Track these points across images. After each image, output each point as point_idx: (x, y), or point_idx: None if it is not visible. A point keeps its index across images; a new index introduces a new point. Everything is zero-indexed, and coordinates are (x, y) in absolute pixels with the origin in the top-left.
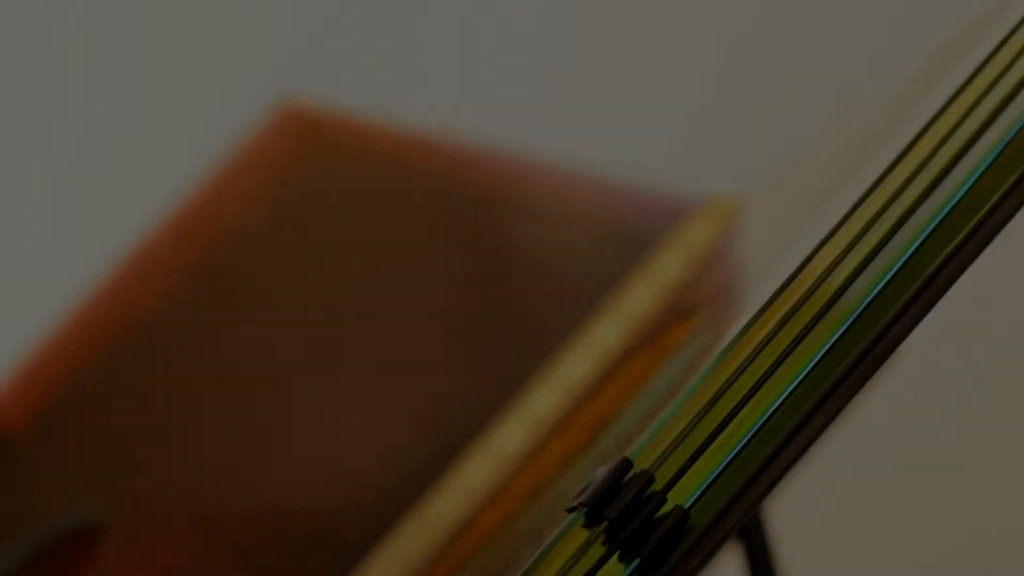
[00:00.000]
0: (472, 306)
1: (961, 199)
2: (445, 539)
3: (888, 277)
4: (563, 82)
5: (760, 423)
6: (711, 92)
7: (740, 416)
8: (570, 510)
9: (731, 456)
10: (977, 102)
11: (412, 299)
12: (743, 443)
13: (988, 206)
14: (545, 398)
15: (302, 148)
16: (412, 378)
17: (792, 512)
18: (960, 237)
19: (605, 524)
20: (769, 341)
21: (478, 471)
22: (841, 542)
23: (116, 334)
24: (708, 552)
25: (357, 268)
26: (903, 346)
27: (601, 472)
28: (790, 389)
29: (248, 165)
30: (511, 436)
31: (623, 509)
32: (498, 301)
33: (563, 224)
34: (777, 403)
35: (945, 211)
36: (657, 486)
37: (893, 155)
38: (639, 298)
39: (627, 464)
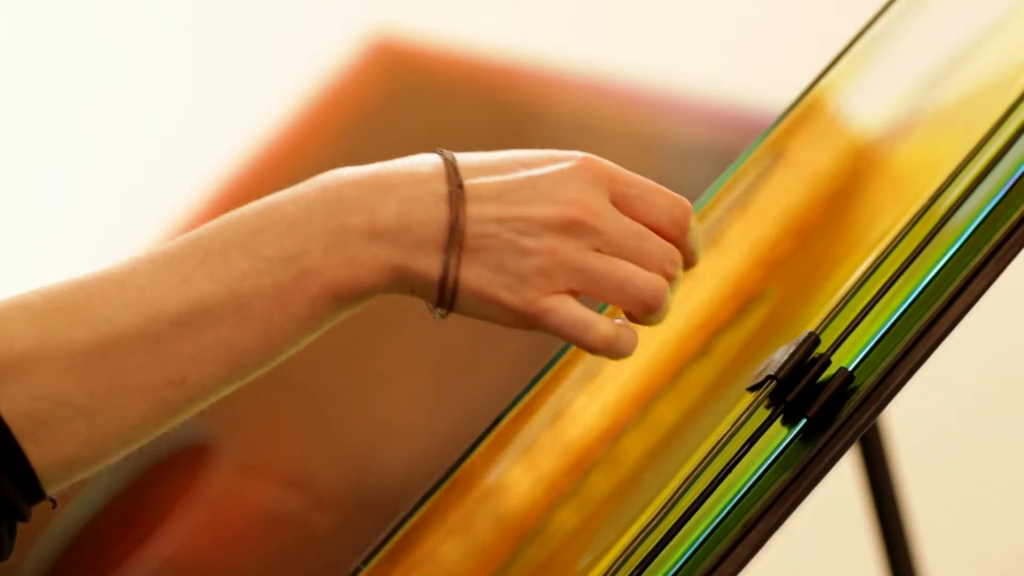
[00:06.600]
0: None
1: None
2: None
3: None
4: (659, 7)
5: (921, 287)
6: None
7: (900, 281)
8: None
9: (894, 318)
10: None
11: None
12: (905, 306)
13: None
14: None
15: (391, 80)
16: None
17: (910, 422)
18: None
19: (772, 386)
20: (923, 214)
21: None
22: (957, 453)
23: None
24: (872, 414)
25: None
26: None
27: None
28: (948, 255)
29: (339, 97)
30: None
31: (791, 369)
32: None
33: (656, 148)
34: (936, 268)
35: None
36: (822, 348)
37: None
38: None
39: None
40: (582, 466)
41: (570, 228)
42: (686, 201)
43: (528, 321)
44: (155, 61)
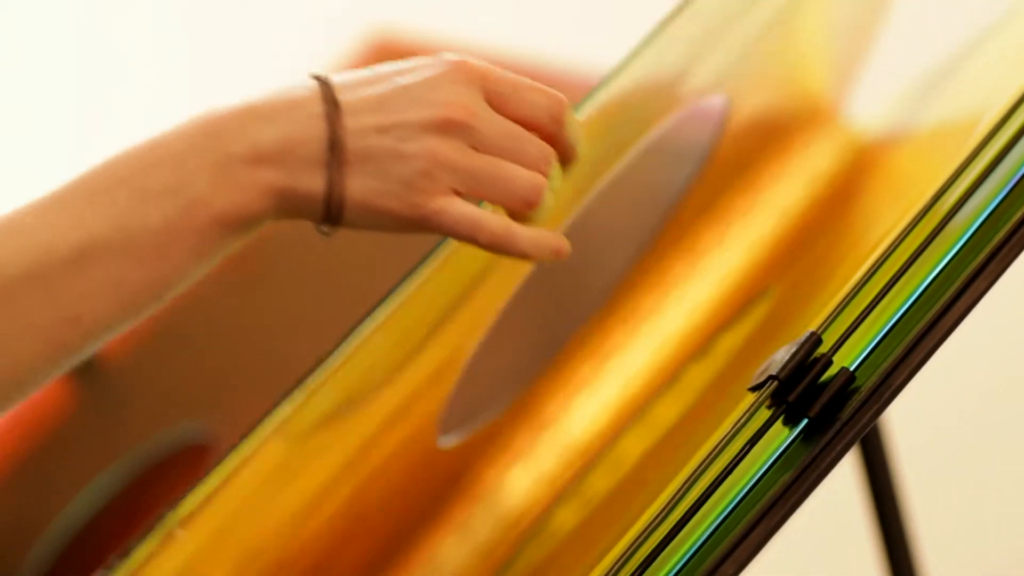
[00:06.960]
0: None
1: None
2: None
3: None
4: (659, 7)
5: (923, 287)
6: None
7: (902, 281)
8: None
9: (896, 319)
10: None
11: None
12: (907, 306)
13: None
14: None
15: None
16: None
17: (910, 422)
18: None
19: (774, 386)
20: (924, 214)
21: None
22: (957, 453)
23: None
24: (873, 414)
25: None
26: None
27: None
28: (950, 256)
29: None
30: None
31: (792, 370)
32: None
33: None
34: (938, 269)
35: None
36: (824, 348)
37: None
38: None
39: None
40: (582, 466)
41: (446, 128)
42: (561, 96)
43: (418, 225)
44: (155, 61)
